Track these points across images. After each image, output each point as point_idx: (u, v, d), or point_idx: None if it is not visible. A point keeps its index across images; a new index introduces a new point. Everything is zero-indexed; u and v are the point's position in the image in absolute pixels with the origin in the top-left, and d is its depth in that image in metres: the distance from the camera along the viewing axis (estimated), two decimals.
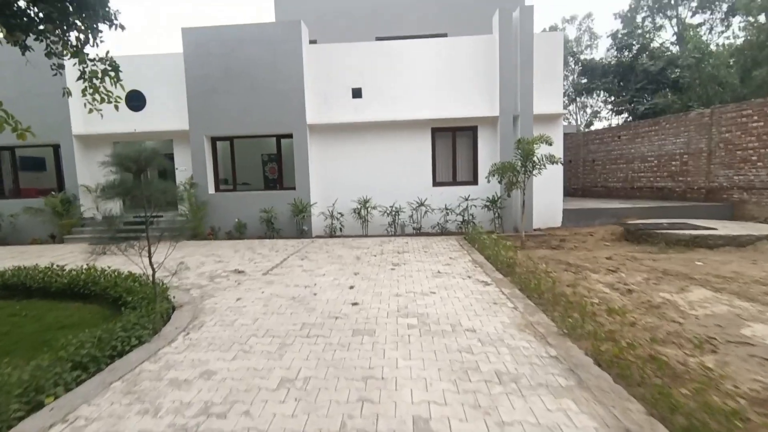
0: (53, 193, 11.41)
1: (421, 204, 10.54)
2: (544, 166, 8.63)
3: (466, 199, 10.49)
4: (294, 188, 10.92)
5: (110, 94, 5.66)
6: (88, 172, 11.74)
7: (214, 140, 11.20)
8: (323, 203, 11.09)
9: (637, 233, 8.92)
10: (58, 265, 5.94)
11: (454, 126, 10.97)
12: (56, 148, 11.60)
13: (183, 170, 11.52)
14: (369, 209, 10.68)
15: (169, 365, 3.21)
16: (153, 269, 4.34)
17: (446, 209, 10.55)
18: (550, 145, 8.44)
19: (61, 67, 5.39)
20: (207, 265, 7.21)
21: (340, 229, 10.78)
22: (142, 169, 4.18)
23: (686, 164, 12.45)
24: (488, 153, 10.90)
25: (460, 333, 3.69)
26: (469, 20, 13.47)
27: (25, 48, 5.24)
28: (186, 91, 10.78)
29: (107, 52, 5.53)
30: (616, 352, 3.12)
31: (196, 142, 10.91)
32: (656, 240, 8.32)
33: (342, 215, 10.81)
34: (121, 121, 11.40)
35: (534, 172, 8.76)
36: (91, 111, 5.80)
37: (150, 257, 4.42)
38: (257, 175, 13.26)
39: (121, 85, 5.66)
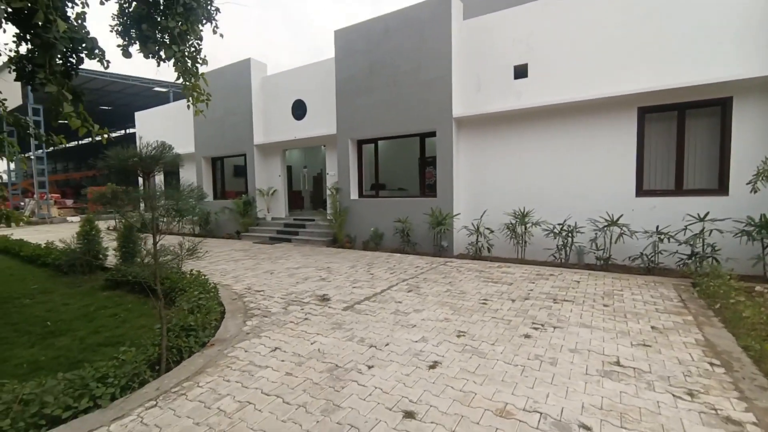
0: (243, 195, 13.25)
1: (613, 222, 6.95)
2: None
3: (702, 219, 6.28)
4: (435, 195, 9.11)
5: (202, 92, 5.27)
6: (265, 178, 13.13)
7: (360, 143, 10.59)
8: (469, 215, 8.86)
9: None
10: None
11: (684, 101, 6.84)
12: (245, 157, 13.43)
13: (332, 175, 11.41)
14: (528, 226, 7.81)
15: None
16: (162, 317, 3.33)
17: (659, 233, 6.60)
18: None
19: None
20: (306, 282, 6.25)
21: (488, 249, 8.30)
22: (146, 173, 3.22)
23: None
24: (753, 141, 6.31)
25: None
26: None
27: (159, 60, 5.35)
28: (335, 95, 10.54)
29: (200, 49, 5.17)
30: None
31: (341, 145, 10.53)
32: None
33: (492, 231, 8.31)
34: (288, 131, 12.25)
35: None
36: (197, 113, 5.61)
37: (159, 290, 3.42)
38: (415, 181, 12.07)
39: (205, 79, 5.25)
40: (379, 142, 10.56)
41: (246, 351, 3.56)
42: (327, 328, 4.12)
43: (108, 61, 5.57)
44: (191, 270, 5.95)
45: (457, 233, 8.74)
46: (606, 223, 7.03)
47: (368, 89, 9.85)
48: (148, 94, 26.45)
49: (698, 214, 6.32)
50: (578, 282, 5.88)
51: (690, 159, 7.02)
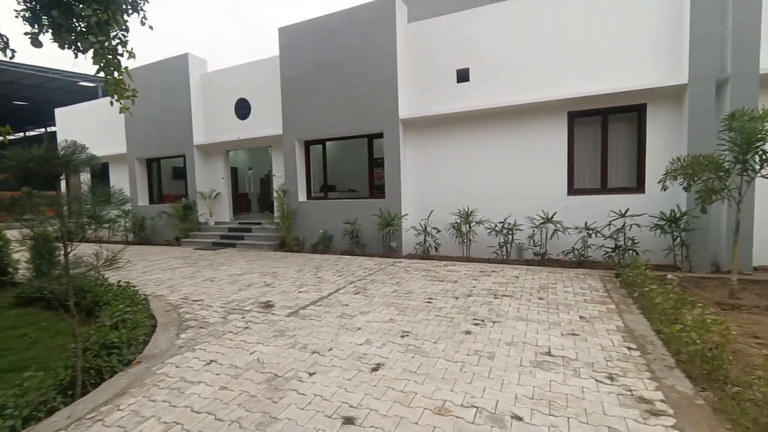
0: (183, 199, 12.43)
1: (548, 220, 7.41)
2: None
3: (623, 215, 6.89)
4: (383, 196, 9.16)
5: (127, 87, 4.87)
6: (207, 180, 12.44)
7: (307, 144, 10.37)
8: (417, 215, 9.01)
9: None
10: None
11: (606, 106, 7.45)
12: (185, 158, 12.61)
13: (279, 176, 11.07)
14: (472, 225, 8.09)
15: None
16: (75, 335, 3.01)
17: (588, 229, 7.14)
18: None
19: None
20: (249, 289, 5.99)
21: (435, 249, 8.50)
22: (53, 177, 2.87)
23: None
24: (663, 144, 7.03)
25: None
26: None
27: (76, 51, 4.83)
28: (281, 94, 10.23)
29: (126, 41, 4.76)
30: None
31: (288, 146, 10.24)
32: None
33: (438, 231, 8.51)
34: (231, 131, 11.70)
35: (762, 172, 4.88)
36: (122, 111, 5.15)
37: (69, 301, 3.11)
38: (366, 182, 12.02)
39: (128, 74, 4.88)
40: (328, 143, 10.42)
41: (177, 366, 3.32)
42: (269, 336, 3.96)
43: (13, 50, 4.97)
44: (119, 281, 5.47)
45: (405, 233, 8.85)
46: (542, 221, 7.48)
47: (315, 89, 9.68)
48: (72, 89, 24.01)
49: (620, 211, 6.93)
50: (517, 277, 6.18)
51: (613, 160, 7.67)
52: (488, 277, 6.22)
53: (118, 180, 14.43)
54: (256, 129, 11.22)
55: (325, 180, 10.61)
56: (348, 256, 8.74)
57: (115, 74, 4.60)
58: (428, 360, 3.25)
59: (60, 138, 16.14)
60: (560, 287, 5.50)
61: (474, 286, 5.64)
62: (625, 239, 6.82)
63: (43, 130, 33.35)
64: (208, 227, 12.04)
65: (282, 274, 6.99)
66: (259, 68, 11.12)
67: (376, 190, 9.97)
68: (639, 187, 7.33)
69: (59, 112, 16.08)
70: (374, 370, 3.11)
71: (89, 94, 23.46)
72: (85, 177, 14.93)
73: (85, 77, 22.34)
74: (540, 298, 4.97)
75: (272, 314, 4.68)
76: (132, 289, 5.14)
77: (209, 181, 12.45)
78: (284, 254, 9.37)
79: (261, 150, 14.33)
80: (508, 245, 7.73)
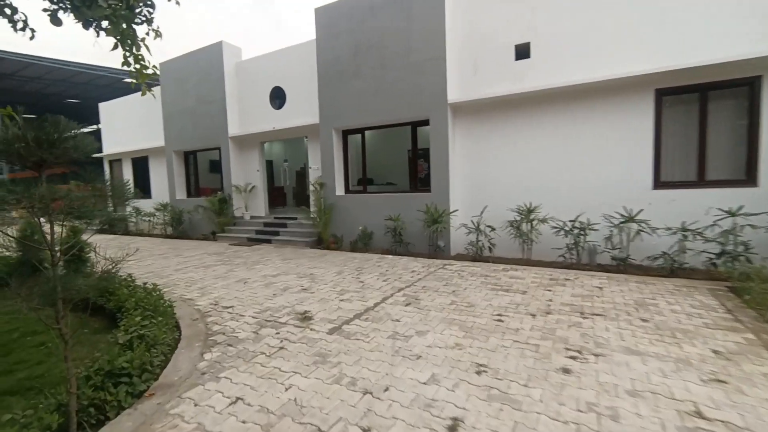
0: (219, 192, 12.12)
1: (630, 218, 6.22)
2: None
3: (733, 214, 5.59)
4: (428, 190, 8.25)
5: (147, 64, 4.28)
6: (242, 173, 12.04)
7: (345, 133, 9.63)
8: (468, 211, 8.04)
9: None
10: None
11: (706, 81, 6.12)
12: (220, 150, 12.27)
13: (315, 169, 10.43)
14: (534, 223, 7.03)
15: None
16: (69, 365, 2.38)
17: (684, 230, 5.89)
18: None
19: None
20: (285, 294, 5.31)
21: (490, 249, 7.50)
22: (36, 165, 2.21)
23: None
24: None
25: None
26: None
27: (99, 29, 4.31)
28: (317, 80, 9.53)
29: (151, 18, 4.17)
30: None
31: (324, 136, 9.54)
32: None
33: (493, 229, 7.50)
34: (266, 121, 11.18)
35: None
36: (144, 93, 4.59)
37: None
38: (404, 174, 11.16)
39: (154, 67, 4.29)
40: (367, 133, 9.62)
41: (195, 405, 2.63)
42: (307, 362, 3.21)
43: (33, 30, 4.51)
44: (144, 284, 4.96)
45: (455, 232, 7.91)
46: (622, 219, 6.30)
47: (354, 73, 8.89)
48: (117, 86, 24.72)
49: (727, 209, 5.63)
50: (600, 288, 5.10)
51: (713, 146, 6.32)
52: (563, 287, 5.19)
53: (158, 174, 14.43)
54: (291, 118, 10.61)
55: (365, 172, 9.83)
56: (390, 256, 7.93)
57: (133, 48, 3.98)
58: (525, 417, 2.36)
59: (104, 132, 16.45)
60: (663, 304, 4.39)
61: (550, 300, 4.65)
62: (735, 243, 5.52)
63: (95, 126, 35.03)
64: (243, 221, 11.64)
65: (320, 276, 6.29)
66: (294, 54, 10.48)
67: (420, 183, 9.07)
68: (749, 179, 5.97)
69: (103, 107, 16.36)
70: (451, 430, 2.26)
71: (135, 91, 24.04)
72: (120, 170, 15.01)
73: (129, 73, 22.85)
74: (643, 320, 3.91)
75: (311, 329, 3.94)
76: (157, 293, 4.59)
77: (244, 174, 12.05)
78: (321, 252, 8.71)
79: (297, 141, 13.81)
80: (579, 248, 6.61)
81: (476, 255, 7.50)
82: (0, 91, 23.68)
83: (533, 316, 4.11)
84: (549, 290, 5.06)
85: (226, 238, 11.14)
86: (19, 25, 4.40)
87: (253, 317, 4.40)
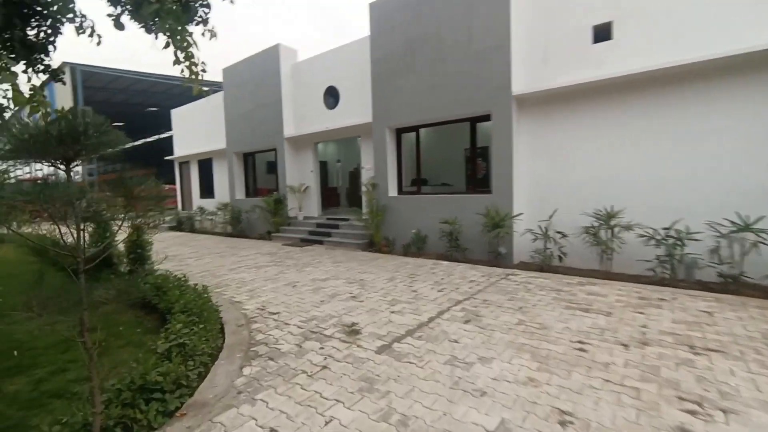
0: (274, 193, 12.34)
1: (746, 227, 5.06)
2: None
3: None
4: (488, 191, 7.54)
5: (197, 61, 4.16)
6: (297, 174, 12.12)
7: (398, 132, 9.21)
8: (533, 215, 7.21)
9: None
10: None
11: None
12: (276, 151, 12.46)
13: (368, 169, 10.13)
14: (616, 230, 6.06)
15: None
16: (96, 384, 2.18)
17: None
18: None
19: None
20: (333, 301, 4.99)
21: (560, 258, 6.64)
22: (69, 159, 2.01)
23: None
24: None
25: None
26: None
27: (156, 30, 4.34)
28: (370, 78, 9.21)
29: (206, 18, 4.09)
30: None
31: (377, 135, 9.20)
32: None
33: (565, 236, 6.63)
34: (320, 121, 11.13)
35: None
36: (196, 92, 4.51)
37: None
38: (460, 175, 10.50)
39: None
40: (420, 131, 9.11)
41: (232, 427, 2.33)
42: (352, 387, 2.81)
43: (99, 36, 4.63)
44: (195, 285, 4.91)
45: (518, 238, 7.13)
46: (735, 228, 5.16)
47: (408, 69, 8.43)
48: (190, 94, 26.67)
49: None
50: (709, 314, 4.13)
51: None
52: (658, 310, 4.28)
53: (221, 175, 15.11)
54: (344, 118, 10.42)
55: (419, 172, 9.33)
56: (446, 262, 7.35)
57: (181, 42, 3.87)
58: None
59: (175, 137, 17.64)
60: None
61: (644, 325, 3.82)
62: None
63: (171, 132, 38.31)
64: (297, 222, 11.70)
65: (370, 282, 5.91)
66: (347, 52, 10.28)
67: (478, 183, 8.37)
68: None
69: (174, 113, 17.54)
70: None
71: (199, 96, 25.72)
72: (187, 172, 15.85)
73: (202, 82, 24.47)
74: None
75: (358, 346, 3.55)
76: (206, 296, 4.49)
77: (299, 174, 12.12)
78: (373, 255, 8.37)
79: (350, 141, 13.67)
80: (675, 260, 5.54)
81: (543, 264, 6.67)
82: (95, 104, 26.64)
83: (625, 346, 3.34)
84: (640, 312, 4.20)
85: (280, 237, 11.25)
86: (87, 32, 4.52)
87: (298, 326, 4.12)
